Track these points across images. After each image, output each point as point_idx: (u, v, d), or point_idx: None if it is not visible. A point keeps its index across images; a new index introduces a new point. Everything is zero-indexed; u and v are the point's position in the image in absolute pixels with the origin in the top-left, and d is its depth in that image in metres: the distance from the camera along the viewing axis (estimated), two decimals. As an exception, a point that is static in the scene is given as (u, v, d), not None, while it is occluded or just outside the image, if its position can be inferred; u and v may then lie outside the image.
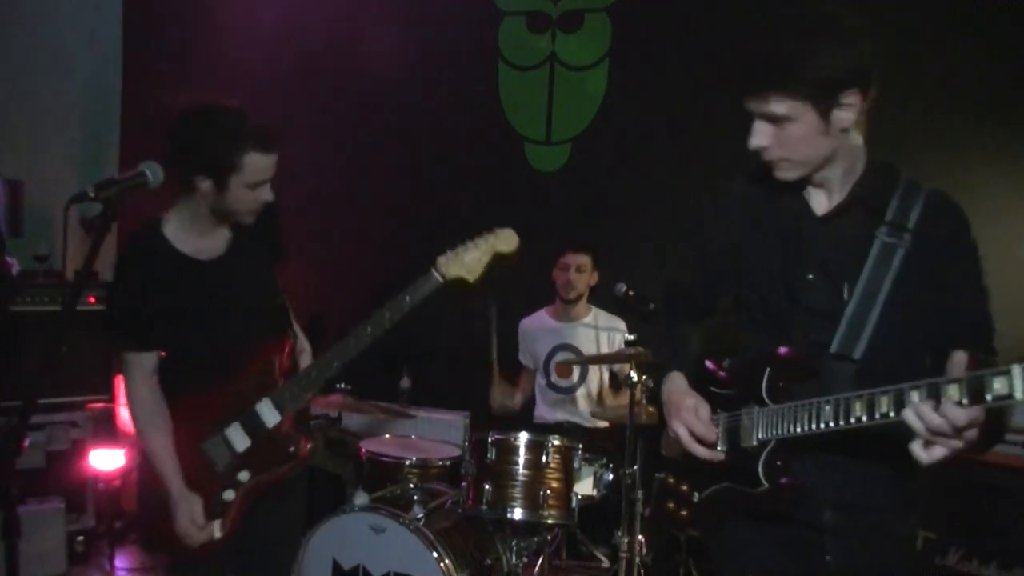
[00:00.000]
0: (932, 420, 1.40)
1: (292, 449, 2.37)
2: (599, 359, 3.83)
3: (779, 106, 1.65)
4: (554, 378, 4.01)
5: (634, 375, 3.14)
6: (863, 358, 1.68)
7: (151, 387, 2.34)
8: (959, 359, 1.42)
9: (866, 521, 1.73)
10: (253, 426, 2.35)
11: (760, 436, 1.74)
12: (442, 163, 4.72)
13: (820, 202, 1.79)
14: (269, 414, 2.35)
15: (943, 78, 3.68)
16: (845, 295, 1.71)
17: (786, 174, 1.75)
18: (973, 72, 3.63)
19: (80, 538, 4.02)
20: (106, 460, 4.14)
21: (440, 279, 2.32)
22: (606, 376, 4.04)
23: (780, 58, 1.62)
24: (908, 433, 1.46)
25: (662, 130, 4.26)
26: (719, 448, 1.82)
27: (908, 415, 1.43)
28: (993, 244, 3.57)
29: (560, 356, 3.98)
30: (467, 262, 2.32)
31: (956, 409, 1.37)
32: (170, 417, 2.34)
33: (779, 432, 1.69)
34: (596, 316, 4.04)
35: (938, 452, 1.44)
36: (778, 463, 1.71)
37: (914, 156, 3.73)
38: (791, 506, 1.73)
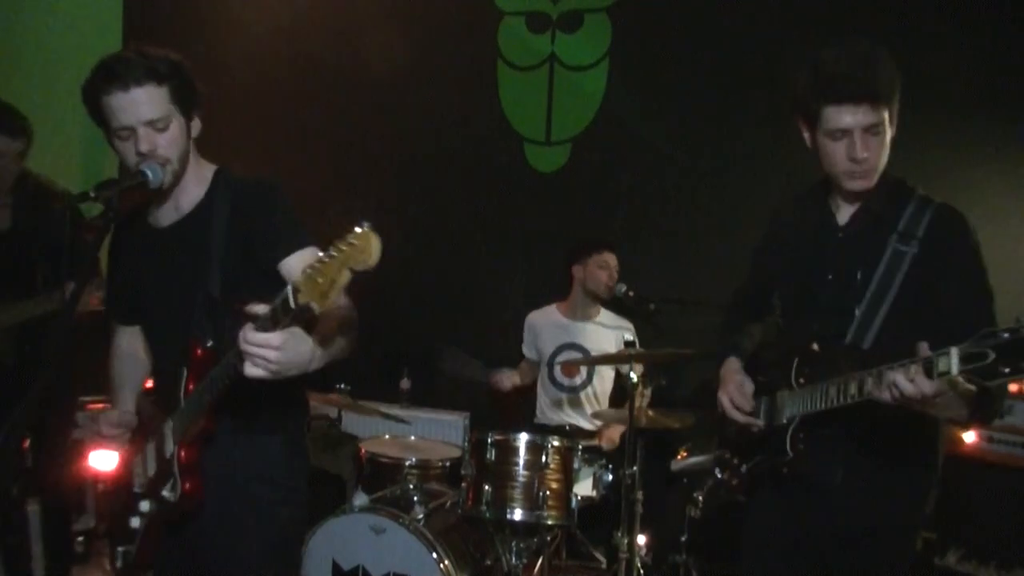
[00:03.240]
0: (906, 388, 1.69)
1: (165, 493, 1.94)
2: (604, 359, 3.82)
3: (881, 114, 1.91)
4: (558, 375, 3.99)
5: (634, 376, 3.14)
6: (871, 349, 1.93)
7: (127, 353, 2.23)
8: (923, 348, 1.69)
9: (872, 480, 1.99)
10: (159, 448, 2.00)
11: (788, 414, 2.06)
12: (442, 163, 4.72)
13: (842, 214, 2.08)
14: (169, 439, 1.96)
15: (943, 78, 3.68)
16: (857, 293, 1.98)
17: (870, 182, 1.98)
18: (973, 72, 3.63)
19: (80, 538, 4.02)
20: (106, 460, 4.13)
21: (292, 304, 1.55)
22: (611, 378, 4.02)
23: (881, 73, 1.90)
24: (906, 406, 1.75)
25: (661, 130, 4.27)
26: (759, 422, 2.15)
27: (881, 391, 1.74)
28: (993, 244, 3.59)
29: (565, 355, 3.96)
30: (321, 286, 1.52)
31: (906, 384, 1.68)
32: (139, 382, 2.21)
33: (801, 409, 2.01)
34: (605, 316, 4.02)
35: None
36: (801, 435, 2.03)
37: (914, 156, 3.73)
38: (810, 470, 2.03)
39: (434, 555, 2.91)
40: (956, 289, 1.93)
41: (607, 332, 3.95)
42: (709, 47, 4.17)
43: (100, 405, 4.22)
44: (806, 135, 2.03)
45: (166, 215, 2.07)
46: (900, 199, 2.01)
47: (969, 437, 2.91)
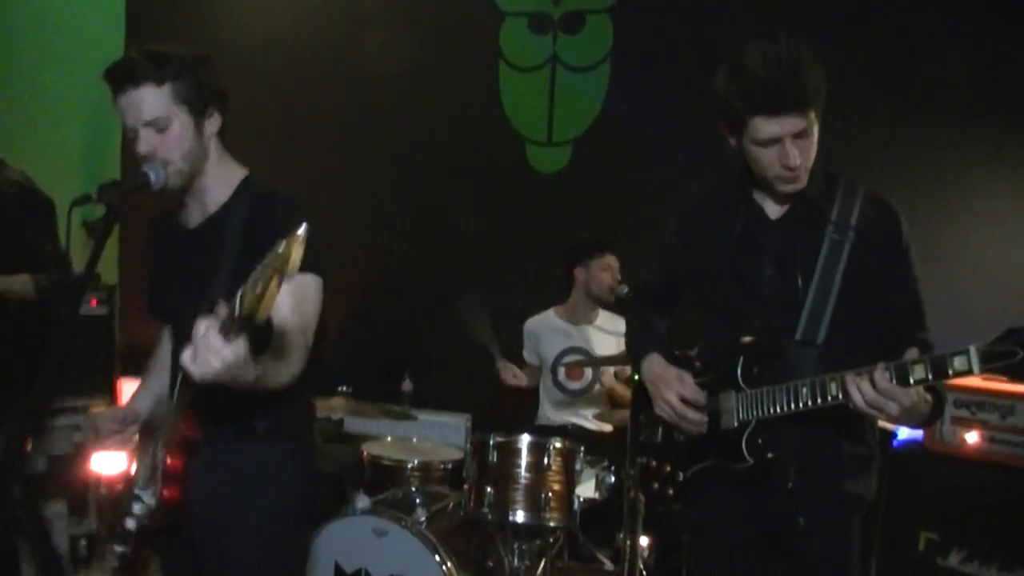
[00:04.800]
0: (868, 394, 1.69)
1: (146, 498, 1.90)
2: (608, 360, 3.82)
3: (809, 118, 1.85)
4: (563, 379, 3.99)
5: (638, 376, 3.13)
6: (825, 343, 1.91)
7: (163, 352, 2.21)
8: (912, 352, 1.68)
9: (823, 484, 1.96)
10: (157, 451, 1.95)
11: (740, 417, 1.96)
12: (443, 163, 4.72)
13: (772, 207, 2.03)
14: (161, 443, 1.92)
15: (943, 78, 3.67)
16: (800, 287, 1.94)
17: (803, 183, 1.93)
18: (973, 72, 3.63)
19: (83, 542, 4.03)
20: (108, 463, 4.14)
21: (237, 312, 1.46)
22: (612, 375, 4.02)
23: (808, 79, 1.82)
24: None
25: (663, 131, 4.26)
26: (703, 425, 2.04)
27: (852, 391, 1.72)
28: (993, 244, 3.63)
29: (569, 359, 3.95)
30: (257, 295, 1.40)
31: (889, 385, 1.67)
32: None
33: (759, 413, 1.92)
34: (604, 319, 4.02)
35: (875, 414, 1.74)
36: (759, 440, 1.93)
37: (914, 156, 3.74)
38: (768, 476, 1.96)
39: (436, 557, 2.91)
40: (896, 277, 1.95)
41: (608, 336, 3.94)
42: (710, 49, 4.16)
43: (102, 408, 4.25)
44: (730, 140, 1.97)
45: (194, 216, 2.05)
46: (829, 187, 1.98)
47: (972, 438, 2.91)
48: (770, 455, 1.93)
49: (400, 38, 4.74)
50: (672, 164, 4.24)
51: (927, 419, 1.84)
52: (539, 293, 4.24)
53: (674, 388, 2.06)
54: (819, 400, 1.81)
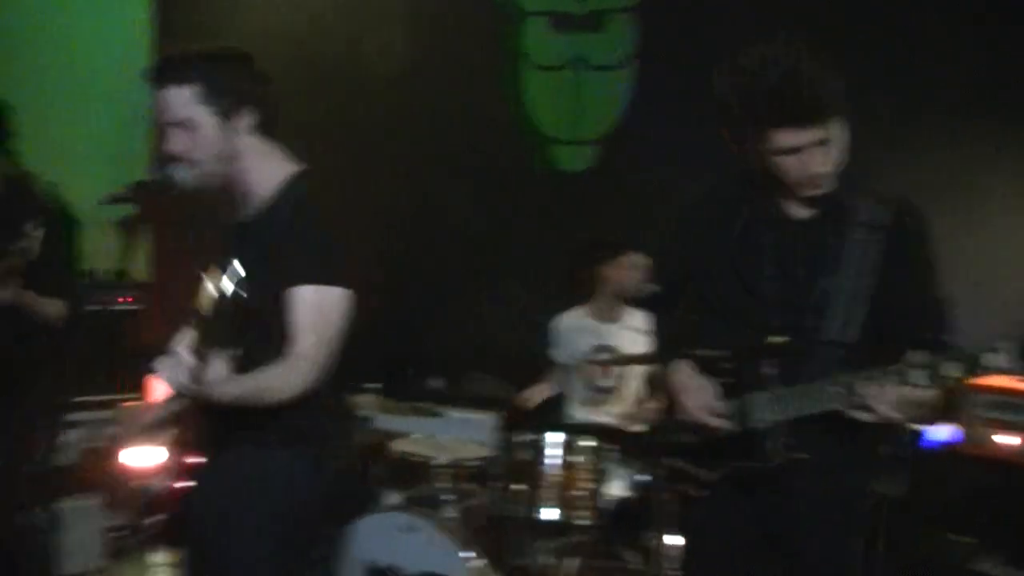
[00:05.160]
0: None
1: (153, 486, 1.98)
2: (637, 359, 3.81)
3: (830, 127, 1.84)
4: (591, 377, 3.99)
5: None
6: (851, 344, 1.91)
7: None
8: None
9: (830, 481, 1.96)
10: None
11: (766, 418, 1.93)
12: (466, 163, 4.72)
13: (793, 207, 2.00)
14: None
15: (943, 78, 3.64)
16: (804, 288, 1.94)
17: (823, 188, 1.92)
18: (973, 72, 3.59)
19: (113, 534, 4.07)
20: (142, 457, 4.18)
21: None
22: (639, 379, 4.01)
23: (824, 86, 1.83)
24: None
25: (688, 130, 4.24)
26: (731, 427, 2.00)
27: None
28: (993, 244, 3.60)
29: (598, 357, 3.96)
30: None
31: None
32: None
33: (786, 413, 1.91)
34: (632, 318, 4.01)
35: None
36: (783, 440, 1.92)
37: (914, 156, 3.71)
38: (791, 477, 1.93)
39: (466, 554, 2.92)
40: (919, 280, 1.97)
41: (635, 334, 3.93)
42: (735, 47, 4.12)
43: (135, 402, 4.30)
44: (731, 145, 1.96)
45: (245, 212, 2.02)
46: (855, 190, 1.98)
47: (1004, 440, 2.88)
48: (796, 456, 1.92)
49: (421, 37, 4.75)
50: (697, 163, 4.21)
51: (931, 417, 1.96)
52: (561, 291, 4.23)
53: (695, 398, 2.05)
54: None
